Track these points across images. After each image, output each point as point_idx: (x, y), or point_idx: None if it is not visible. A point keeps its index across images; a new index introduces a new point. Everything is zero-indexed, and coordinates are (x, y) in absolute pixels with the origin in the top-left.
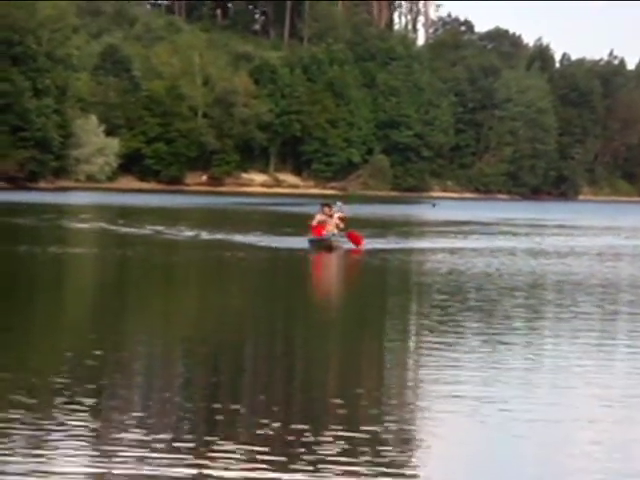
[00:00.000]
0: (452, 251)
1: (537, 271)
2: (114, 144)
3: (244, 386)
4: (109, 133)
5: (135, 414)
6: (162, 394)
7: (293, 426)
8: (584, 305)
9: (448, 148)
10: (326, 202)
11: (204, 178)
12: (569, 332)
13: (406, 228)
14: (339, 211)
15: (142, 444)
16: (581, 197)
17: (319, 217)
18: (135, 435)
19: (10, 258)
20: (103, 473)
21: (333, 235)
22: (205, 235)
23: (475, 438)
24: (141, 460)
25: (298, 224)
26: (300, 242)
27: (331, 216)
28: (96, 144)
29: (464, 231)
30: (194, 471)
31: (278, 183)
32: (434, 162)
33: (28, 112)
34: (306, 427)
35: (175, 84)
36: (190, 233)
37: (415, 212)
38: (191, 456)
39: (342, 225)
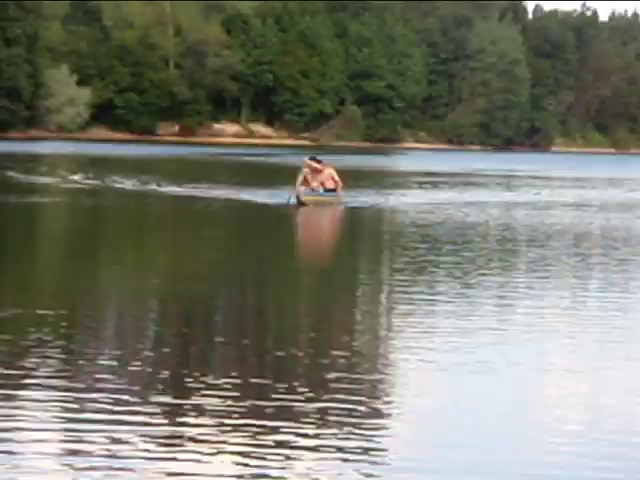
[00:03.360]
0: (421, 204)
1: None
2: (85, 94)
3: (216, 346)
4: (80, 83)
5: (105, 374)
6: (133, 353)
7: (263, 385)
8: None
9: (420, 99)
10: (312, 156)
11: (176, 128)
12: (541, 283)
13: (383, 180)
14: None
15: (112, 403)
16: (554, 148)
17: (303, 174)
18: (105, 394)
19: None
20: (72, 431)
21: (312, 190)
22: (178, 188)
23: (446, 397)
24: (112, 422)
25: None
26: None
27: (320, 171)
28: (67, 94)
29: (435, 182)
30: (166, 430)
31: (250, 134)
32: (406, 113)
33: None
34: (277, 388)
35: (146, 34)
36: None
37: (388, 163)
38: (162, 416)
39: (334, 184)
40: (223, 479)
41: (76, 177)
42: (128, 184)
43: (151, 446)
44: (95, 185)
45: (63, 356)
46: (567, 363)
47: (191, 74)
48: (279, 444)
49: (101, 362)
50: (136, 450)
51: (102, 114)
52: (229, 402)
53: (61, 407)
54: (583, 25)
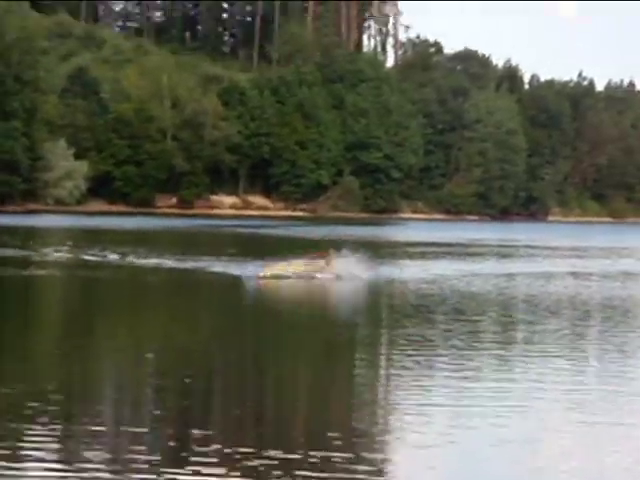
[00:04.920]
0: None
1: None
2: (83, 167)
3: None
4: (78, 156)
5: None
6: (133, 421)
7: (264, 450)
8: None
9: (418, 169)
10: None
11: (173, 200)
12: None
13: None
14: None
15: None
16: (551, 218)
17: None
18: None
19: None
20: None
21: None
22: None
23: (445, 457)
24: None
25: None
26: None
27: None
28: (65, 167)
29: (433, 252)
30: None
31: (247, 205)
32: (404, 183)
33: None
34: (278, 449)
35: (144, 106)
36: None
37: (386, 233)
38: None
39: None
40: None
41: (70, 250)
42: (118, 257)
43: None
44: (89, 259)
45: (58, 433)
46: (565, 433)
47: (188, 146)
48: None
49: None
50: None
51: (100, 187)
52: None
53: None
54: (579, 95)
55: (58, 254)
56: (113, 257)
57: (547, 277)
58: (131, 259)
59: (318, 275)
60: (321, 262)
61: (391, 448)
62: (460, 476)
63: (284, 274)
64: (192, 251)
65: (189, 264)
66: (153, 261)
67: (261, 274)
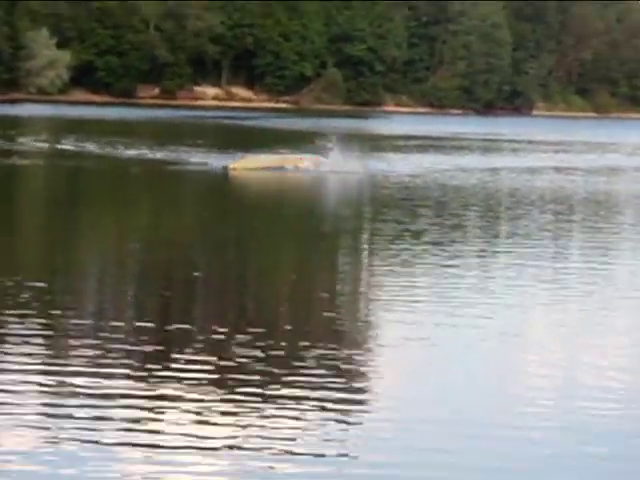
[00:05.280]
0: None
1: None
2: (65, 56)
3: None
4: (60, 45)
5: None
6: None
7: (245, 341)
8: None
9: (401, 62)
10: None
11: (156, 91)
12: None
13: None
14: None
15: (95, 362)
16: (535, 112)
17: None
18: (89, 352)
19: None
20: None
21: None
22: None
23: (424, 353)
24: (95, 374)
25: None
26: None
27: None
28: (47, 56)
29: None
30: (148, 389)
31: (231, 96)
32: (387, 76)
33: None
34: (258, 340)
35: None
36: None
37: (370, 126)
38: (145, 372)
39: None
40: (201, 441)
41: (60, 140)
42: (101, 148)
43: (134, 412)
44: (71, 148)
45: (43, 320)
46: (546, 335)
47: (172, 37)
48: (263, 406)
49: (83, 328)
50: (119, 418)
51: (82, 76)
52: (211, 368)
53: (41, 370)
54: None
55: (39, 144)
56: (93, 147)
57: (532, 172)
58: (111, 149)
59: (298, 166)
60: (304, 158)
61: (370, 344)
62: (439, 370)
63: (257, 166)
64: (173, 142)
65: (170, 155)
66: (133, 152)
67: (232, 165)
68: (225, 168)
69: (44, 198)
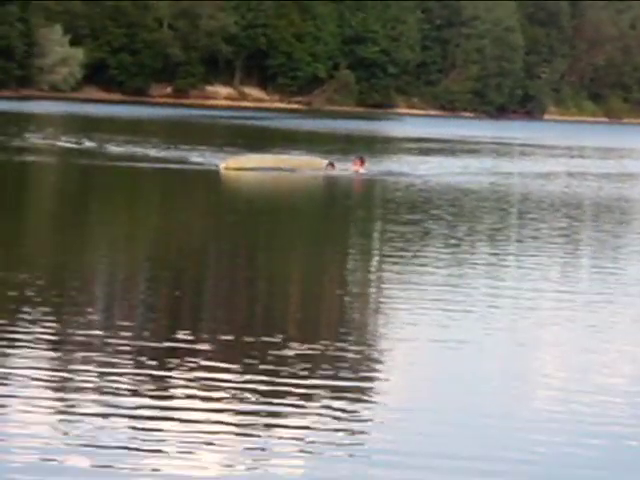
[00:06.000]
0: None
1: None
2: (78, 54)
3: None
4: (73, 43)
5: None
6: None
7: (254, 341)
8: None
9: (414, 65)
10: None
11: (168, 90)
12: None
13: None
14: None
15: (101, 373)
16: (547, 116)
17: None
18: (95, 358)
19: None
20: (62, 388)
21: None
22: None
23: (436, 360)
24: (102, 377)
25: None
26: None
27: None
28: (60, 54)
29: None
30: (157, 392)
31: (243, 96)
32: (400, 78)
33: None
34: (268, 344)
35: None
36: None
37: (382, 128)
38: (153, 376)
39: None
40: (205, 440)
41: (65, 137)
42: (113, 147)
43: (140, 411)
44: (84, 146)
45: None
46: (554, 338)
47: (185, 36)
48: (269, 411)
49: (91, 323)
50: (126, 414)
51: (95, 74)
52: (219, 365)
53: (50, 367)
54: None
55: (46, 140)
56: (92, 144)
57: (546, 176)
58: (112, 147)
59: (297, 168)
60: (301, 159)
61: (380, 342)
62: (450, 371)
63: (250, 166)
64: (179, 141)
65: (171, 154)
66: (134, 150)
67: (223, 164)
68: (218, 167)
69: (44, 195)
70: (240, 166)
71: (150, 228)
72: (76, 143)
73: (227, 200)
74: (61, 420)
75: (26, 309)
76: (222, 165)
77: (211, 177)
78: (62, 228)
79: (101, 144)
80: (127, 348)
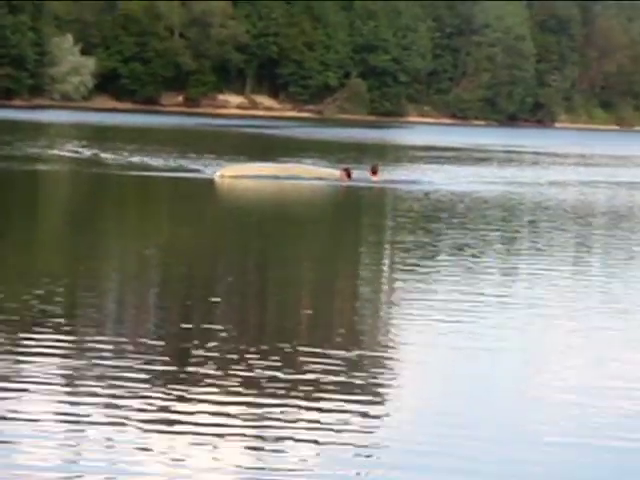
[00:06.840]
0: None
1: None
2: (90, 63)
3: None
4: (85, 52)
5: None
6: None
7: (266, 348)
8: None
9: (425, 73)
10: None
11: (180, 99)
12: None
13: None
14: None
15: (116, 369)
16: (558, 124)
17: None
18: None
19: None
20: (73, 393)
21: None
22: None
23: (448, 365)
24: (114, 385)
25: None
26: None
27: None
28: (72, 63)
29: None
30: (168, 396)
31: (254, 105)
32: (411, 87)
33: (3, 29)
34: (279, 348)
35: (152, 3)
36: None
37: (393, 137)
38: (164, 380)
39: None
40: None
41: (76, 146)
42: (121, 156)
43: (150, 415)
44: (94, 155)
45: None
46: (567, 345)
47: (196, 44)
48: (279, 411)
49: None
50: (135, 419)
51: (106, 83)
52: (229, 372)
53: (61, 375)
54: (589, 0)
55: (57, 150)
56: (93, 153)
57: (558, 184)
58: (116, 156)
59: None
60: (300, 167)
61: (392, 347)
62: (461, 375)
63: (247, 174)
64: (185, 149)
65: (171, 163)
66: (133, 159)
67: (219, 172)
68: (213, 175)
69: (52, 204)
70: (236, 174)
71: (157, 237)
72: (84, 152)
73: (225, 209)
74: (74, 422)
75: (37, 316)
76: (217, 173)
77: (205, 185)
78: (65, 237)
79: (113, 153)
80: (137, 355)
